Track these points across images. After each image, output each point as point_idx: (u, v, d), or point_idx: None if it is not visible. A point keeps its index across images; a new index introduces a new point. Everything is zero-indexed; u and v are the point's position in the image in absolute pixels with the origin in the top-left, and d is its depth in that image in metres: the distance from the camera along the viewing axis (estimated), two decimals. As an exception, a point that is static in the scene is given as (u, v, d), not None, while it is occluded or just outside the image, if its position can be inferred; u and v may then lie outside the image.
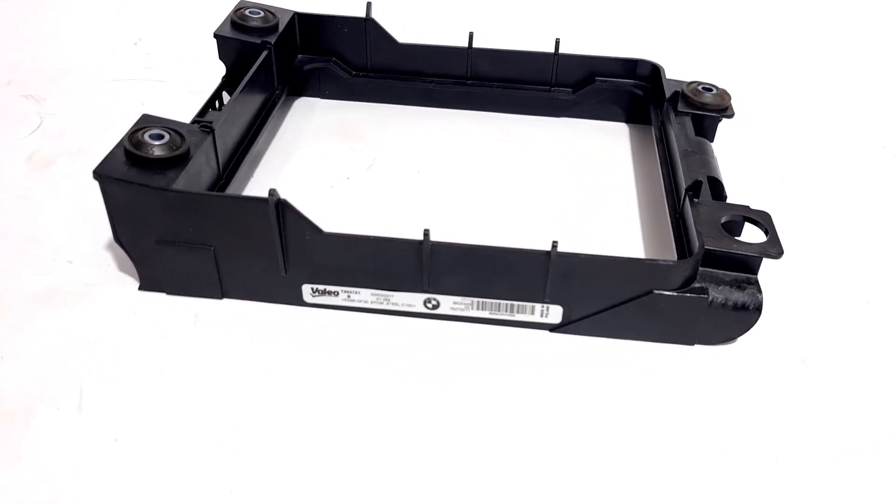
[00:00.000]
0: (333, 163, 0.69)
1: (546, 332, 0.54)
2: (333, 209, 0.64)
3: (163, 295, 0.55)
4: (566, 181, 0.69)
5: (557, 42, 0.73)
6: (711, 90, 0.68)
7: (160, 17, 0.92)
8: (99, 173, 0.50)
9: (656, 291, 0.51)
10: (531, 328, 0.54)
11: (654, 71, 0.72)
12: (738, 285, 0.52)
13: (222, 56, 0.70)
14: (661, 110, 0.70)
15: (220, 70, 0.72)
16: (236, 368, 0.51)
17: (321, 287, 0.54)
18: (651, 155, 0.71)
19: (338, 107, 0.77)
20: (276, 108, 0.70)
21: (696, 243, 0.52)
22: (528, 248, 0.50)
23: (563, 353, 0.53)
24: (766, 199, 0.64)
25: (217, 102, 0.67)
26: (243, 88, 0.63)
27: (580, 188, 0.68)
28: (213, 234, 0.52)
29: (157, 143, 0.53)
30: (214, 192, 0.51)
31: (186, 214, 0.51)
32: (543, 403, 0.50)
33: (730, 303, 0.51)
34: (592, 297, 0.52)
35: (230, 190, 0.60)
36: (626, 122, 0.76)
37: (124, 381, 0.49)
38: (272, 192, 0.49)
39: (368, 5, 0.73)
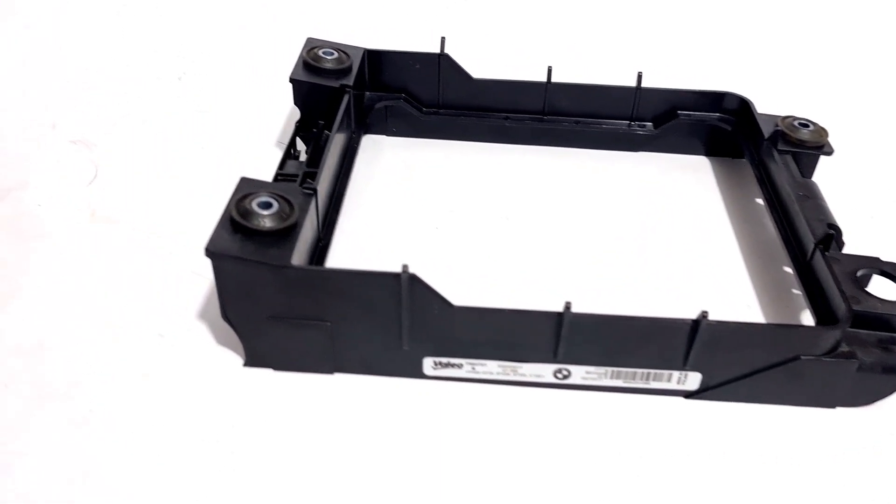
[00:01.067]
0: (416, 208, 0.66)
1: (681, 399, 0.51)
2: (428, 263, 0.60)
3: (269, 371, 0.52)
4: (660, 224, 0.66)
5: (640, 76, 0.70)
6: (808, 126, 0.66)
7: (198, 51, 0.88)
8: (212, 251, 0.46)
9: (803, 357, 0.49)
10: (665, 395, 0.51)
11: (743, 105, 0.70)
12: (885, 346, 0.50)
13: (297, 100, 0.66)
14: (755, 147, 0.67)
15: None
16: (355, 445, 0.48)
17: (444, 360, 0.50)
18: (744, 193, 0.69)
19: (407, 145, 0.73)
20: (357, 153, 0.66)
21: (839, 305, 0.50)
22: (672, 316, 0.48)
23: (700, 419, 0.50)
24: (858, 236, 0.63)
25: (292, 149, 0.64)
26: (330, 137, 0.59)
27: (677, 232, 0.65)
28: (332, 308, 0.48)
29: (266, 212, 0.49)
30: (343, 269, 0.47)
31: (306, 290, 0.48)
32: (681, 473, 0.47)
33: (879, 366, 0.49)
34: (735, 363, 0.49)
35: (329, 250, 0.57)
36: (706, 154, 0.74)
37: (238, 462, 0.46)
38: (405, 268, 0.46)
39: (443, 40, 0.70)
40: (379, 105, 0.71)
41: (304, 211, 0.51)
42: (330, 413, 0.49)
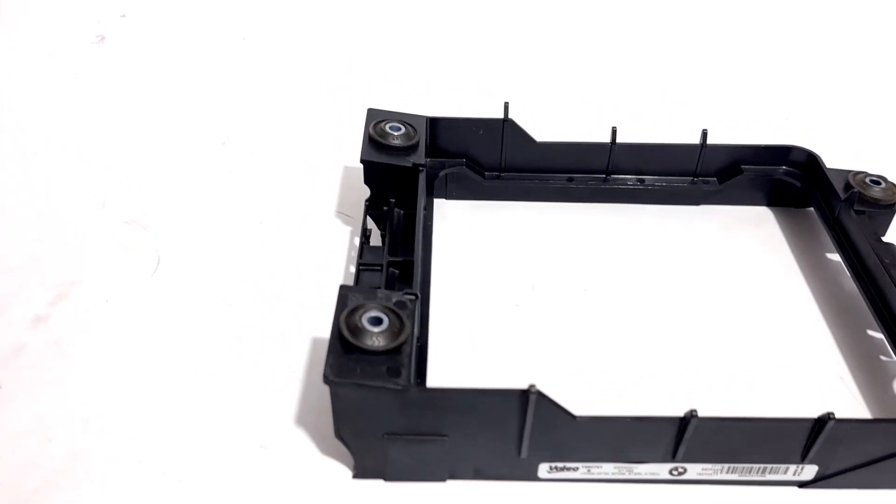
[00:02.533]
0: (493, 283, 0.65)
1: (794, 489, 0.51)
2: (519, 349, 0.59)
3: (380, 482, 0.51)
4: (737, 287, 0.65)
5: (704, 133, 0.69)
6: (880, 183, 0.66)
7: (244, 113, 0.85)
8: (332, 380, 0.45)
9: (928, 445, 0.49)
10: (778, 485, 0.51)
11: (811, 159, 0.69)
12: None
13: (367, 180, 0.64)
14: (827, 203, 0.67)
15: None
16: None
17: (560, 464, 0.50)
18: (812, 246, 0.69)
19: (467, 208, 0.72)
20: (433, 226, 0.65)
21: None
22: (798, 416, 0.47)
23: (814, 507, 0.51)
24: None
25: (364, 232, 0.62)
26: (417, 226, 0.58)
27: (756, 295, 0.65)
28: (451, 424, 0.47)
29: (377, 329, 0.48)
30: (466, 388, 0.46)
31: (426, 409, 0.47)
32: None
33: None
34: (855, 454, 0.49)
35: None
36: (768, 204, 0.73)
37: None
38: (531, 387, 0.45)
39: (506, 106, 0.68)
40: (441, 173, 0.70)
41: (412, 321, 0.49)
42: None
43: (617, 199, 0.72)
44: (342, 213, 0.71)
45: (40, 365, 0.57)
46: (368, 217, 0.64)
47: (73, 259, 0.65)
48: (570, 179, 0.71)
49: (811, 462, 0.50)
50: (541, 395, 0.45)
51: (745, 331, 0.62)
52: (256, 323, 0.60)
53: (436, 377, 0.54)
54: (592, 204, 0.72)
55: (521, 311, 0.62)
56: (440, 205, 0.72)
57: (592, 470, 0.50)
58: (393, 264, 0.58)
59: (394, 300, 0.50)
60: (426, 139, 0.69)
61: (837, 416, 0.46)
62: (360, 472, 0.50)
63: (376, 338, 0.47)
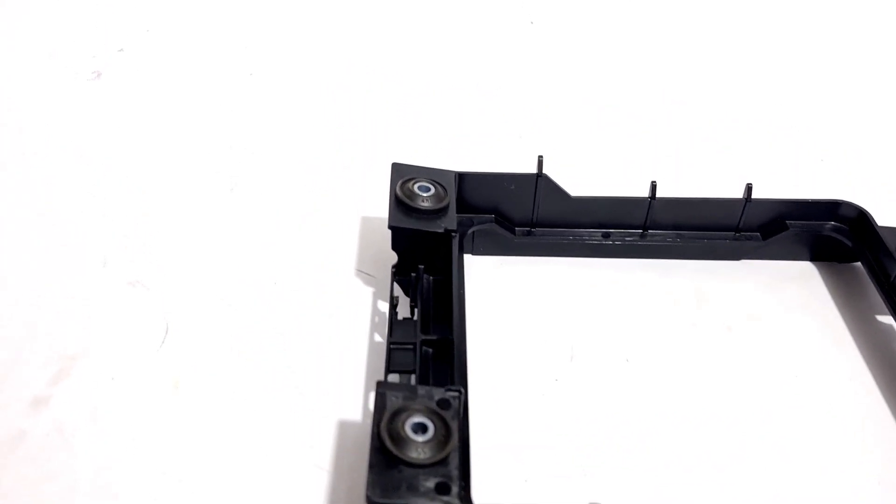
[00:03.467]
0: (526, 353, 0.60)
1: None
2: (560, 433, 0.55)
3: None
4: (783, 355, 0.61)
5: (749, 187, 0.65)
6: (929, 245, 0.62)
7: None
8: (374, 502, 0.41)
9: None
10: None
11: (861, 216, 0.66)
12: None
13: (396, 246, 0.60)
14: (879, 264, 0.63)
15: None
16: None
17: (619, 578, 0.46)
18: (862, 309, 0.65)
19: (496, 266, 0.67)
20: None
21: None
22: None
23: None
24: None
25: (392, 303, 0.58)
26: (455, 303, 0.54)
27: (808, 372, 0.61)
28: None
29: (421, 438, 0.43)
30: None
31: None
32: None
33: None
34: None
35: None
36: (811, 259, 0.70)
37: None
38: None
39: (540, 160, 0.64)
40: (473, 229, 0.65)
41: (457, 423, 0.45)
42: None
43: (653, 255, 0.68)
44: (362, 272, 0.66)
45: (41, 457, 0.52)
46: (396, 284, 0.60)
47: (74, 328, 0.60)
48: (606, 235, 0.67)
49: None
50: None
51: (799, 413, 0.58)
52: (280, 412, 0.55)
53: (480, 482, 0.50)
54: (627, 259, 0.68)
55: (560, 386, 0.58)
56: (467, 260, 0.68)
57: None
58: (427, 343, 0.54)
59: (436, 398, 0.46)
60: (455, 196, 0.65)
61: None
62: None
63: (421, 448, 0.43)
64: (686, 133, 0.87)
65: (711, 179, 0.74)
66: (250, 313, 0.62)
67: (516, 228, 0.67)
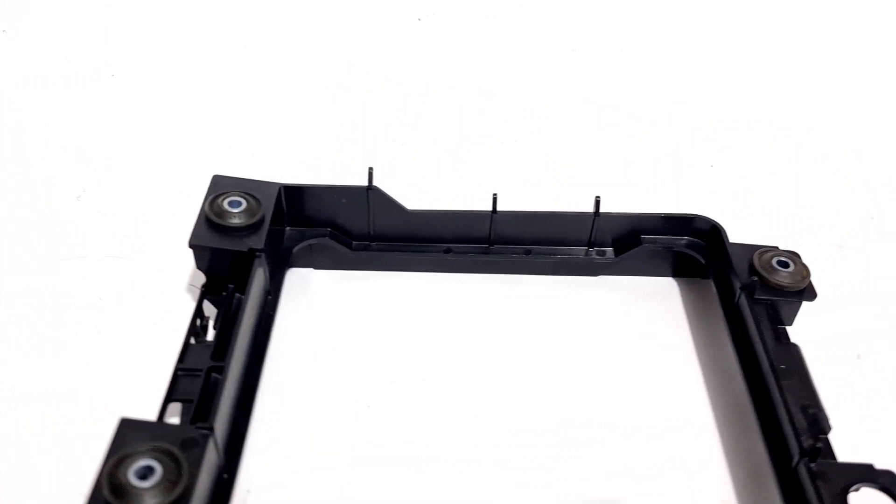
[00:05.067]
0: (347, 375, 0.57)
1: None
2: (349, 458, 0.52)
3: None
4: (624, 371, 0.59)
5: (598, 201, 0.62)
6: (788, 266, 0.58)
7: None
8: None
9: None
10: None
11: (714, 231, 0.62)
12: None
13: (200, 265, 0.57)
14: (727, 285, 0.60)
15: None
16: None
17: None
18: (713, 329, 0.61)
19: (336, 280, 0.64)
20: (274, 312, 0.58)
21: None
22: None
23: None
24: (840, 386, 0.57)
25: (199, 319, 0.55)
26: (240, 318, 0.51)
27: (640, 379, 0.58)
28: None
29: (145, 484, 0.40)
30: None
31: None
32: None
33: None
34: None
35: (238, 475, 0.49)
36: (673, 275, 0.66)
37: None
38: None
39: (370, 172, 0.61)
40: (302, 245, 0.62)
41: (198, 466, 0.42)
42: None
43: (502, 271, 0.65)
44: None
45: None
46: (210, 303, 0.57)
47: None
48: (448, 250, 0.64)
49: None
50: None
51: (628, 429, 0.55)
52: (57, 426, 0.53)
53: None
54: (480, 275, 0.65)
55: (371, 414, 0.55)
56: (306, 276, 0.65)
57: None
58: (216, 369, 0.51)
59: (183, 437, 0.43)
60: (284, 207, 0.62)
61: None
62: None
63: (144, 497, 0.40)
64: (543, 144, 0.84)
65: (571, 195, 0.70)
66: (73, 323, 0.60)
67: (354, 243, 0.64)
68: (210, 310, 0.57)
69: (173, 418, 0.50)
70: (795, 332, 0.57)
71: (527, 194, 0.69)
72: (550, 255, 0.64)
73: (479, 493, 0.51)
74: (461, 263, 0.64)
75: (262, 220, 0.57)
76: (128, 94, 0.85)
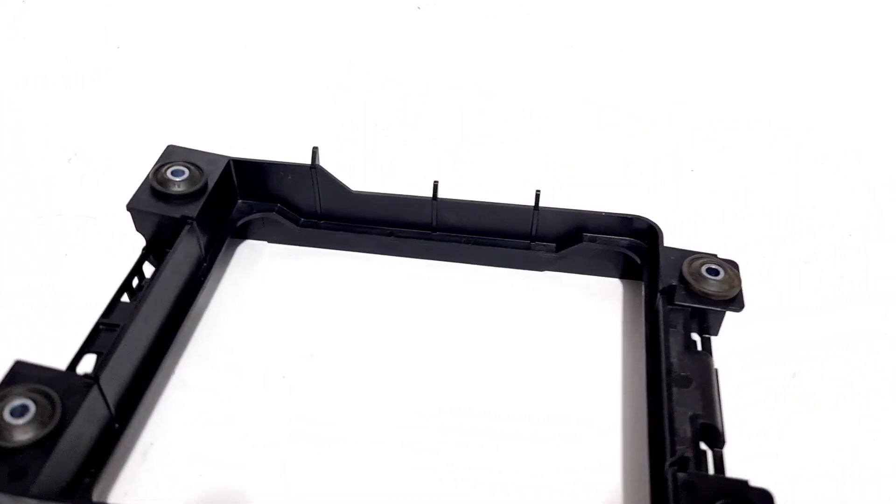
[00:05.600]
0: (271, 347, 0.59)
1: None
2: (256, 424, 0.54)
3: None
4: (546, 366, 0.59)
5: (538, 194, 0.61)
6: (718, 273, 0.56)
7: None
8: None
9: None
10: None
11: (651, 231, 0.61)
12: None
13: (139, 228, 0.60)
14: (652, 287, 0.58)
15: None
16: None
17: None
18: (638, 333, 0.60)
19: (286, 255, 0.67)
20: (205, 285, 0.60)
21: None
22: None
23: None
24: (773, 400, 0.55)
25: (137, 278, 0.58)
26: (155, 281, 0.54)
27: (560, 376, 0.58)
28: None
29: (19, 421, 0.44)
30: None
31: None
32: None
33: None
34: None
35: (135, 423, 0.51)
36: (620, 276, 0.65)
37: None
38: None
39: (314, 151, 0.62)
40: (250, 217, 0.65)
41: (74, 411, 0.45)
42: None
43: (449, 258, 0.66)
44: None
45: None
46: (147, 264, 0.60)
47: None
48: (391, 234, 0.65)
49: None
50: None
51: (535, 422, 0.55)
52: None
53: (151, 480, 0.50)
54: (423, 261, 0.66)
55: (285, 384, 0.57)
56: (259, 248, 0.68)
57: None
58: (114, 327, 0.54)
59: (67, 385, 0.46)
60: (235, 180, 0.64)
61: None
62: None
63: (14, 432, 0.43)
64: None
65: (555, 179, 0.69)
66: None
67: (302, 220, 0.66)
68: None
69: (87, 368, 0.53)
70: (755, 344, 0.58)
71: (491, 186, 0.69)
72: (494, 245, 0.64)
73: (373, 468, 0.52)
74: (405, 247, 0.65)
75: (201, 190, 0.60)
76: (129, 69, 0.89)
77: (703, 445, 0.50)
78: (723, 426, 0.51)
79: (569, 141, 0.81)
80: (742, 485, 0.45)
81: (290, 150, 0.67)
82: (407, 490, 0.51)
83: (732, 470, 0.47)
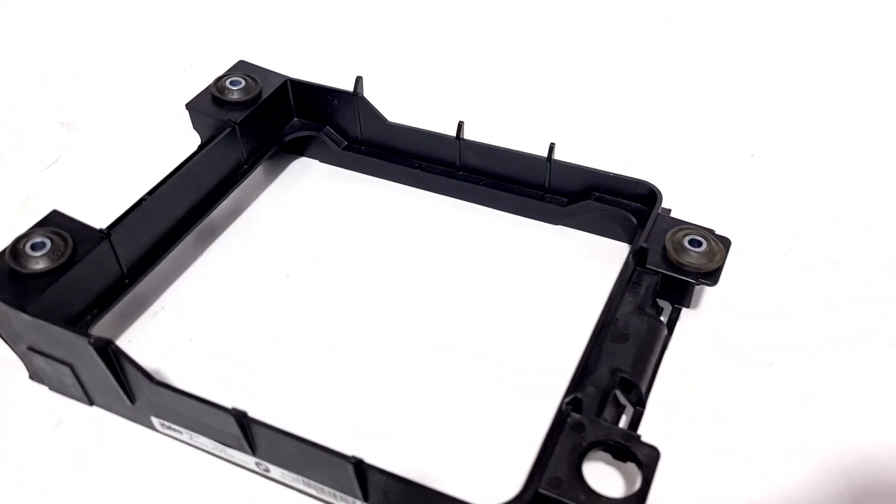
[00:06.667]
0: (287, 247, 0.66)
1: (374, 526, 0.49)
2: (257, 310, 0.61)
3: (45, 388, 0.57)
4: (527, 307, 0.61)
5: (552, 147, 0.63)
6: (700, 245, 0.56)
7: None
8: (-28, 288, 0.52)
9: (469, 526, 0.44)
10: (356, 517, 0.49)
11: (651, 196, 0.60)
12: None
13: (196, 127, 0.68)
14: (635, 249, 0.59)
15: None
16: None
17: (167, 423, 0.52)
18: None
19: (327, 175, 0.73)
20: (244, 179, 0.67)
21: (529, 483, 0.44)
22: (335, 449, 0.45)
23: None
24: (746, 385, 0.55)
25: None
26: (183, 167, 0.62)
27: (536, 320, 0.60)
28: (68, 354, 0.52)
29: (36, 254, 0.53)
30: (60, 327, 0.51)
31: (45, 337, 0.52)
32: None
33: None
34: (410, 511, 0.46)
35: (142, 285, 0.60)
36: (628, 241, 0.65)
37: None
38: (97, 339, 0.48)
39: (358, 80, 0.68)
40: (298, 134, 0.71)
41: (85, 254, 0.54)
42: (69, 443, 0.54)
43: (470, 199, 0.69)
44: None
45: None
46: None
47: None
48: (419, 167, 0.69)
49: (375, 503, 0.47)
50: (117, 350, 0.48)
51: (492, 361, 0.58)
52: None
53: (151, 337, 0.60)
54: (446, 198, 0.70)
55: (290, 281, 0.64)
56: (310, 165, 0.74)
57: (195, 439, 0.52)
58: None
59: (87, 234, 0.55)
60: (292, 100, 0.71)
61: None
62: (32, 375, 0.57)
63: (32, 260, 0.53)
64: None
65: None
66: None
67: (345, 143, 0.71)
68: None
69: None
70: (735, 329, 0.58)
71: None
72: (511, 192, 0.67)
73: (359, 360, 0.58)
74: (431, 182, 0.69)
75: (252, 101, 0.67)
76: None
77: (623, 401, 0.51)
78: (647, 388, 0.51)
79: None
80: (633, 438, 0.46)
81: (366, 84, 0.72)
82: (389, 377, 0.57)
83: (668, 438, 0.48)
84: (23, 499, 0.51)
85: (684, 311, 0.59)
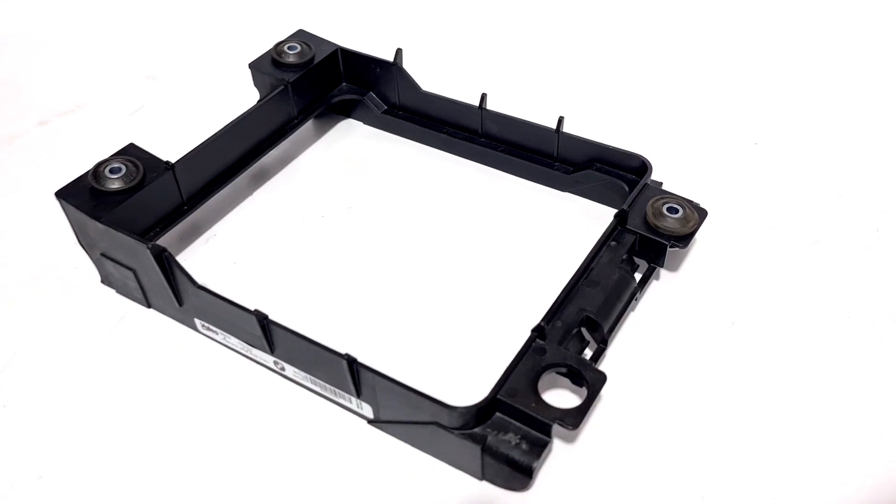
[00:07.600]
0: (324, 194, 0.76)
1: (363, 422, 0.58)
2: (293, 243, 0.71)
3: (112, 291, 0.68)
4: (526, 257, 0.69)
5: (560, 120, 0.71)
6: (678, 212, 0.63)
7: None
8: (58, 195, 0.63)
9: (438, 424, 0.52)
10: (352, 413, 0.58)
11: (642, 168, 0.68)
12: (520, 443, 0.51)
13: (256, 84, 0.79)
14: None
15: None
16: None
17: (206, 324, 0.63)
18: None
19: (368, 135, 0.83)
20: (294, 133, 0.77)
21: (493, 390, 0.52)
22: (333, 348, 0.54)
23: (372, 445, 0.57)
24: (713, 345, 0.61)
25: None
26: (240, 117, 0.72)
27: (527, 270, 0.68)
28: (132, 260, 0.63)
29: (112, 176, 0.64)
30: (129, 236, 0.61)
31: (113, 243, 0.63)
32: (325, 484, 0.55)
33: (504, 456, 0.51)
34: (394, 408, 0.55)
35: (194, 216, 0.71)
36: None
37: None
38: (154, 245, 0.59)
39: (398, 52, 0.77)
40: (344, 97, 0.81)
41: (153, 180, 0.65)
42: (128, 338, 0.65)
43: (492, 164, 0.77)
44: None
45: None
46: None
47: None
48: (446, 132, 0.78)
49: (366, 401, 0.56)
50: (167, 256, 0.59)
51: (469, 309, 0.66)
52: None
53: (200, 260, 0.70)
54: (470, 162, 0.78)
55: (323, 222, 0.73)
56: (355, 126, 0.84)
57: (228, 339, 0.62)
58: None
59: (157, 165, 0.66)
60: (341, 67, 0.81)
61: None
62: (103, 279, 0.68)
63: (108, 181, 0.64)
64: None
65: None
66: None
67: (386, 107, 0.81)
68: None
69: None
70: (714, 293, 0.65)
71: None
72: (525, 159, 0.75)
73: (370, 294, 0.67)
74: (457, 146, 0.78)
75: (305, 65, 0.77)
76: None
77: (588, 338, 0.59)
78: (610, 329, 0.59)
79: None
80: (585, 364, 0.54)
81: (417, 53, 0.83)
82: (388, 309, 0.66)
83: (623, 374, 0.57)
84: (92, 378, 0.62)
85: (665, 273, 0.67)
